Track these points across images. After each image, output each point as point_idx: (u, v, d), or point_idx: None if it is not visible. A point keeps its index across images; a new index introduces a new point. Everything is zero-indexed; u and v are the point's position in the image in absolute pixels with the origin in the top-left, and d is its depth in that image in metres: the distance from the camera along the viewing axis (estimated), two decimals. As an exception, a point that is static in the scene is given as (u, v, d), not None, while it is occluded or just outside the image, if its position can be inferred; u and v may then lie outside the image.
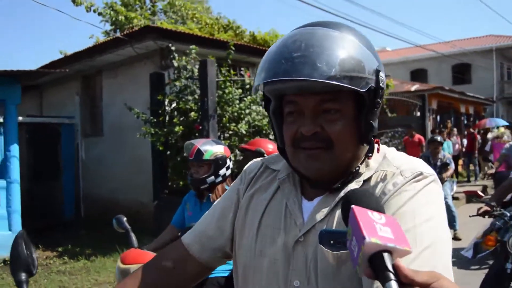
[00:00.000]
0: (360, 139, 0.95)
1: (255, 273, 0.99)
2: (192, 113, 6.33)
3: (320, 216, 0.94)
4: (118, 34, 7.90)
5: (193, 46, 6.72)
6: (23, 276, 1.10)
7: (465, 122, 18.22)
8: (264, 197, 1.05)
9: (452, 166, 6.64)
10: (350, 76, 0.85)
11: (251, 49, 8.59)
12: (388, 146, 1.08)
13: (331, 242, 0.78)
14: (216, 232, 1.10)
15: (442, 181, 6.20)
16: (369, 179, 0.95)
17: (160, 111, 6.87)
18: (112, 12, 11.87)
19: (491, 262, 4.45)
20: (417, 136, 10.43)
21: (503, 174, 5.14)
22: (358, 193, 0.76)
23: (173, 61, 6.79)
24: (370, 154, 0.97)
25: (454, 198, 8.76)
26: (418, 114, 13.73)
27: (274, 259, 0.97)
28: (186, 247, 1.11)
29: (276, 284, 0.96)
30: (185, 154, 3.06)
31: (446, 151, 9.47)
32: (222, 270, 2.71)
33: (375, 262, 0.63)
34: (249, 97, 6.76)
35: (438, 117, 16.50)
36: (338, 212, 0.93)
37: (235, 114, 6.60)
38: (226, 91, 6.45)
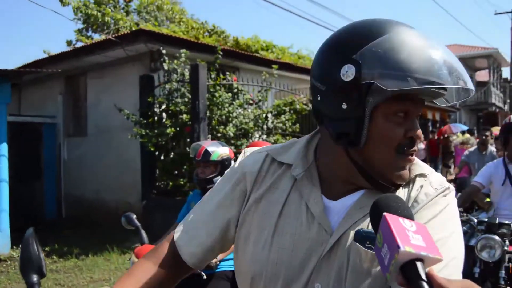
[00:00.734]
0: None
1: (270, 281, 0.91)
2: (184, 116, 6.52)
3: (357, 217, 0.90)
4: (109, 36, 7.98)
5: (184, 50, 6.91)
6: (35, 278, 1.03)
7: (430, 128, 19.03)
8: (277, 197, 0.96)
9: None
10: None
11: (236, 53, 8.86)
12: None
13: (367, 243, 0.79)
14: (209, 237, 1.02)
15: None
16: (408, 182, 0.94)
17: (149, 113, 7.03)
18: (84, 8, 11.82)
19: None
20: None
21: (464, 179, 5.19)
22: (389, 198, 0.76)
23: (164, 64, 6.96)
24: None
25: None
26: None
27: (295, 267, 0.90)
28: (178, 250, 1.04)
29: None
30: (191, 155, 3.24)
31: None
32: (230, 264, 2.78)
33: (408, 270, 0.63)
34: (237, 101, 7.01)
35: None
36: None
37: (223, 117, 6.83)
38: (216, 94, 6.68)
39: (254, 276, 0.93)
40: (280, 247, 0.91)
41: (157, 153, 7.03)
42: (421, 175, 0.93)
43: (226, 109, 6.78)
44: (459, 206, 3.74)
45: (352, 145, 0.90)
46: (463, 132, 13.77)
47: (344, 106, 0.87)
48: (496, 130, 13.64)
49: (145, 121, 6.89)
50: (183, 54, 6.89)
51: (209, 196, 1.07)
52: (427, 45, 0.86)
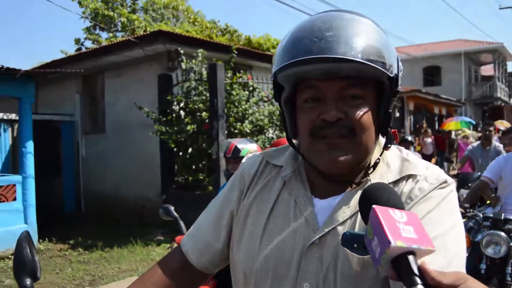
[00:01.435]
0: (379, 130, 0.92)
1: (260, 278, 0.92)
2: (204, 113, 6.77)
3: (342, 217, 0.89)
4: (130, 37, 8.22)
5: (201, 50, 7.16)
6: (28, 281, 1.02)
7: (437, 122, 19.25)
8: (269, 196, 0.98)
9: None
10: (380, 61, 0.83)
11: (249, 52, 9.09)
12: None
13: (355, 245, 0.75)
14: (214, 237, 1.04)
15: None
16: (396, 181, 0.91)
17: (168, 111, 7.28)
18: (94, 7, 12.08)
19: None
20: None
21: (466, 174, 4.99)
22: (379, 187, 0.75)
23: (181, 63, 7.21)
24: (389, 145, 0.93)
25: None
26: (397, 115, 14.53)
27: (282, 263, 0.90)
28: (185, 255, 1.05)
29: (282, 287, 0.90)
30: (221, 152, 3.48)
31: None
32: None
33: (399, 264, 0.62)
34: (253, 98, 7.25)
35: (412, 118, 17.40)
36: None
37: (240, 114, 7.08)
38: (234, 92, 6.93)
39: (246, 272, 0.95)
40: (269, 244, 0.92)
41: (175, 149, 7.29)
42: (412, 175, 0.90)
43: (243, 107, 7.03)
44: (467, 202, 3.74)
45: (289, 142, 0.99)
46: (471, 126, 13.96)
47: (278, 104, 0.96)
48: (500, 124, 13.82)
49: (164, 119, 7.15)
50: (200, 54, 7.13)
51: (214, 199, 1.10)
52: (295, 28, 0.89)
